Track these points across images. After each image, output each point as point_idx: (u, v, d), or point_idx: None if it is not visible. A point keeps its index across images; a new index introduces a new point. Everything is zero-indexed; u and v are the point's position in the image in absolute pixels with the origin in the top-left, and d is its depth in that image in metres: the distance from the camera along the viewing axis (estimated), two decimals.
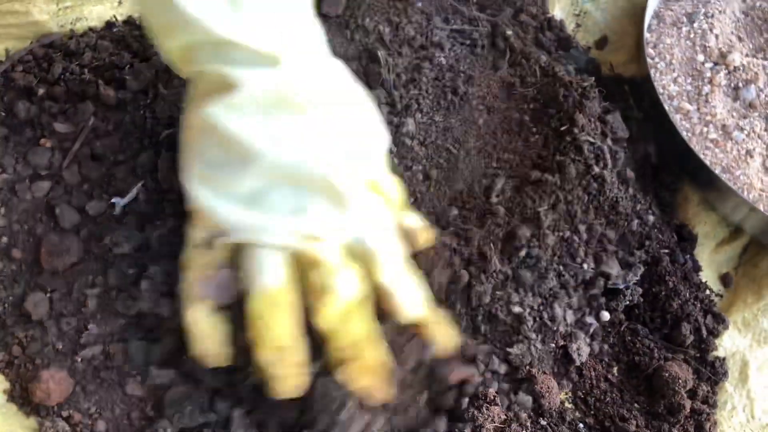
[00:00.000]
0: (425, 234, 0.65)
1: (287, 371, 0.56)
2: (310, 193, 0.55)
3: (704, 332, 0.74)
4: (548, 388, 0.69)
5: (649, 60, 0.86)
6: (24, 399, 0.66)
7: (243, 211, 0.54)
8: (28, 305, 0.68)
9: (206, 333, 0.58)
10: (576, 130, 0.77)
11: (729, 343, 0.76)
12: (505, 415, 0.67)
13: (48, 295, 0.68)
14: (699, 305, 0.76)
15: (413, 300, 0.60)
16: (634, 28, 0.94)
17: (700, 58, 0.88)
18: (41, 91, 0.75)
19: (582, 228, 0.75)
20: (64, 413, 0.65)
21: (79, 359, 0.67)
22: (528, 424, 0.68)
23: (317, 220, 0.55)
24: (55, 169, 0.73)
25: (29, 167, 0.73)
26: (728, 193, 0.79)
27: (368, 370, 0.58)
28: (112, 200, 0.71)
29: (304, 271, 0.55)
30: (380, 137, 0.61)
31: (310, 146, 0.54)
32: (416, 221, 0.65)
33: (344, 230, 0.56)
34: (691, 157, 0.80)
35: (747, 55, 0.87)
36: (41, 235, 0.70)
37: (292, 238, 0.54)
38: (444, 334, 0.63)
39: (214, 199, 0.55)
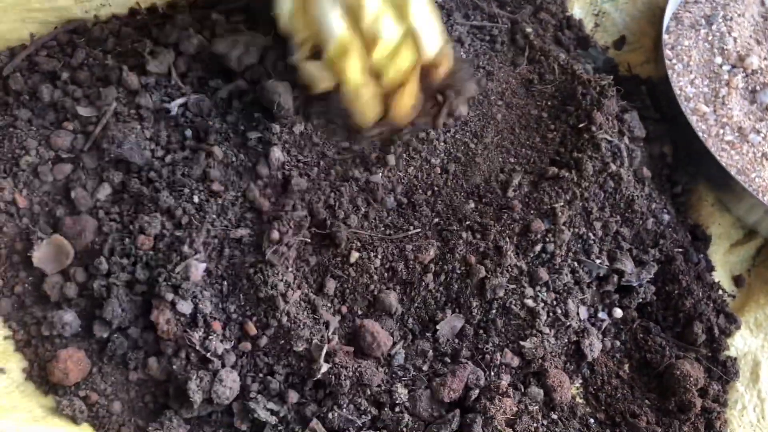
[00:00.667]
0: None
1: (365, 105, 0.71)
2: None
3: (716, 331, 0.74)
4: (560, 382, 0.69)
5: (667, 61, 0.86)
6: (42, 378, 0.67)
7: None
8: (46, 287, 0.69)
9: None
10: (594, 128, 0.77)
11: (741, 343, 0.76)
12: (517, 407, 0.67)
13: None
14: (711, 305, 0.76)
15: (434, 42, 0.70)
16: (653, 29, 0.94)
17: (718, 60, 0.88)
18: (65, 76, 0.76)
19: (597, 225, 0.76)
20: (81, 393, 0.66)
21: (96, 341, 0.68)
22: (539, 417, 0.68)
23: None
24: (76, 151, 0.73)
25: (51, 150, 0.73)
26: (743, 195, 0.79)
27: (408, 96, 0.71)
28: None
29: (357, 20, 0.66)
30: None
31: None
32: None
33: None
34: (706, 159, 0.80)
35: (765, 59, 0.87)
36: (61, 217, 0.71)
37: None
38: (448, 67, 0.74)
39: None
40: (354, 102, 0.71)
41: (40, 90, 0.74)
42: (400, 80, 0.70)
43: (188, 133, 0.75)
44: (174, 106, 0.75)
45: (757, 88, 0.86)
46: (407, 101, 0.72)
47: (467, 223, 0.74)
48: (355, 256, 0.71)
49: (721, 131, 0.84)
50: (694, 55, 0.88)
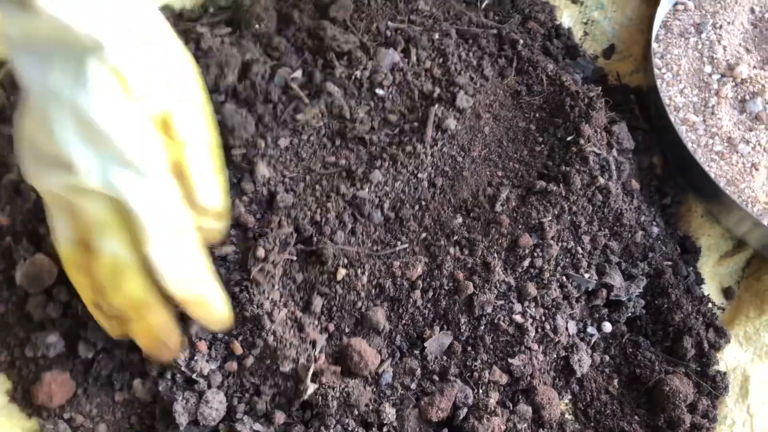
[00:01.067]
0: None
1: (108, 323, 0.61)
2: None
3: (706, 346, 0.74)
4: (549, 399, 0.69)
5: (656, 70, 0.86)
6: (26, 400, 0.66)
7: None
8: (29, 306, 0.68)
9: None
10: (582, 141, 0.77)
11: (730, 358, 0.76)
12: (505, 425, 0.67)
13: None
14: (701, 318, 0.76)
15: (177, 278, 0.57)
16: (642, 38, 0.94)
17: (708, 69, 0.87)
18: None
19: (586, 239, 0.75)
20: (66, 415, 0.66)
21: (80, 362, 0.67)
22: None
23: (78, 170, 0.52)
24: None
25: None
26: (732, 206, 0.79)
27: (148, 332, 0.60)
28: None
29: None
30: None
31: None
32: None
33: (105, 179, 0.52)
34: (695, 170, 0.80)
35: (755, 67, 0.87)
36: (43, 235, 0.70)
37: (57, 186, 0.53)
38: (205, 314, 0.62)
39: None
40: (97, 319, 0.61)
41: None
42: (131, 308, 0.58)
43: None
44: None
45: (747, 97, 0.86)
46: (146, 335, 0.60)
47: (455, 238, 0.73)
48: (342, 273, 0.70)
49: (711, 141, 0.83)
50: (683, 63, 0.88)
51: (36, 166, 0.54)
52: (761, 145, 0.83)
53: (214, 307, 0.61)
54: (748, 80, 0.86)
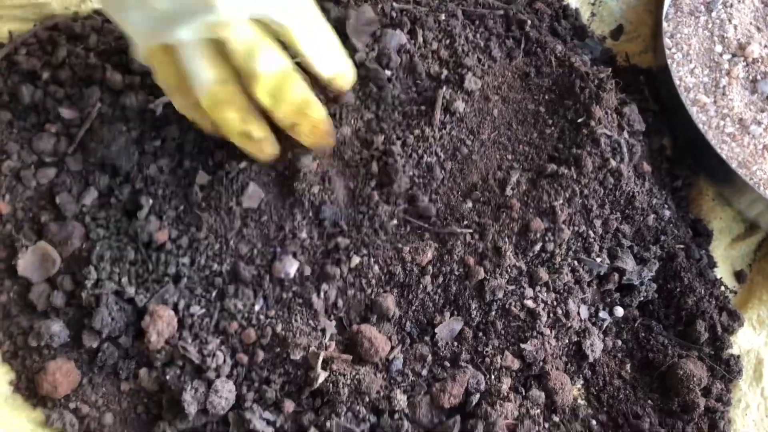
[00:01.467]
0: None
1: (257, 146, 0.65)
2: None
3: (719, 329, 0.73)
4: (561, 384, 0.68)
5: (666, 50, 0.84)
6: (30, 390, 0.65)
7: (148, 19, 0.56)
8: (32, 295, 0.67)
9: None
10: (593, 123, 0.75)
11: (744, 341, 0.75)
12: (518, 411, 0.66)
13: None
14: (714, 302, 0.75)
15: (330, 63, 0.64)
16: (650, 18, 0.92)
17: (718, 48, 0.86)
18: (46, 75, 0.73)
19: (597, 223, 0.74)
20: (71, 405, 0.65)
21: (85, 351, 0.66)
22: (541, 420, 0.67)
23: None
24: (60, 155, 0.71)
25: (34, 153, 0.71)
26: (744, 188, 0.77)
27: (314, 127, 0.64)
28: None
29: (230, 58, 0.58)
30: None
31: None
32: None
33: (249, 7, 0.56)
34: (707, 151, 0.79)
35: (765, 47, 0.86)
36: (45, 223, 0.69)
37: (199, 31, 0.55)
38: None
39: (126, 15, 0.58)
40: (244, 149, 0.66)
41: (20, 91, 0.72)
42: (295, 112, 0.62)
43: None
44: (159, 106, 0.72)
45: (758, 77, 0.84)
46: (312, 131, 0.65)
47: (465, 223, 0.72)
48: (355, 260, 0.69)
49: (722, 123, 0.82)
50: (693, 43, 0.86)
51: (156, 27, 0.56)
52: None
53: (349, 71, 0.68)
54: (760, 60, 0.84)
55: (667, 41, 0.86)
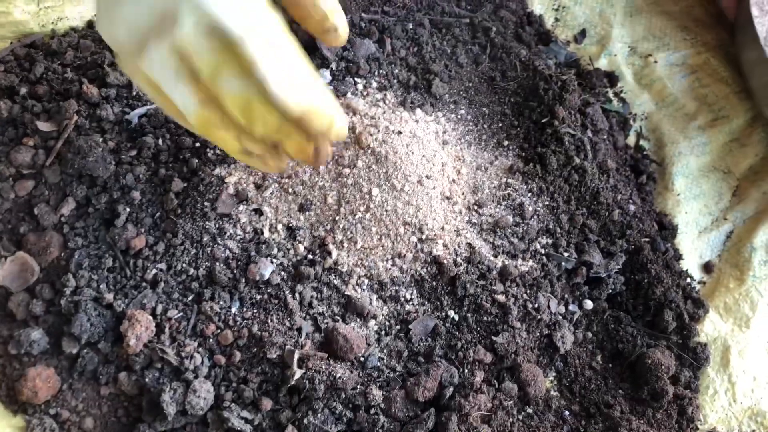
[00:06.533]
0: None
1: (260, 161, 0.61)
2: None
3: (686, 318, 0.75)
4: (534, 376, 0.70)
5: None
6: (10, 398, 0.66)
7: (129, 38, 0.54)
8: (12, 305, 0.68)
9: None
10: (557, 123, 0.78)
11: (711, 329, 0.77)
12: (492, 403, 0.68)
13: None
14: (681, 292, 0.77)
15: (290, 93, 0.54)
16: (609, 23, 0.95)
17: None
18: (23, 91, 0.75)
19: (564, 218, 0.76)
20: (52, 411, 0.65)
21: (65, 357, 0.67)
22: (514, 412, 0.68)
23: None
24: (38, 167, 0.73)
25: (12, 167, 0.72)
26: None
27: (300, 148, 0.60)
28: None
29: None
30: None
31: None
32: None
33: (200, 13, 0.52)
34: None
35: None
36: (24, 233, 0.70)
37: (167, 53, 0.53)
38: (324, 123, 0.58)
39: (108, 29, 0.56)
40: (249, 164, 0.63)
41: None
42: (275, 133, 0.57)
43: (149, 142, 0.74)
44: (134, 116, 0.74)
45: None
46: (299, 150, 0.60)
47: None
48: (334, 254, 0.71)
49: None
50: None
51: (137, 53, 0.53)
52: None
53: (330, 113, 0.58)
54: None
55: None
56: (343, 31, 0.65)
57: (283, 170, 0.64)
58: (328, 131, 0.58)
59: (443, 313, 0.71)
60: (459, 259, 0.72)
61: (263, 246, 0.71)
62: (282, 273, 0.71)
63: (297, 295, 0.70)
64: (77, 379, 0.67)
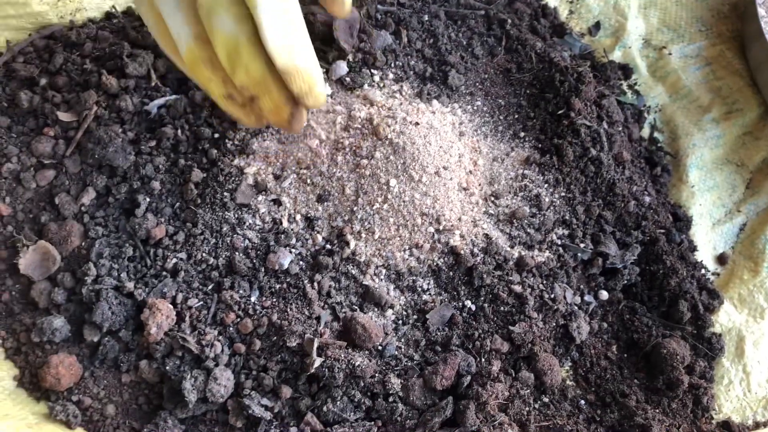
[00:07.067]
0: None
1: (241, 111, 0.60)
2: None
3: (701, 309, 0.75)
4: (550, 365, 0.70)
5: None
6: (33, 385, 0.67)
7: None
8: (34, 293, 0.69)
9: None
10: (572, 114, 0.78)
11: (725, 320, 0.77)
12: (508, 392, 0.68)
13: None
14: (695, 283, 0.77)
15: (283, 45, 0.55)
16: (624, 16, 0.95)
17: None
18: (43, 81, 0.76)
19: (580, 209, 0.77)
20: (74, 398, 0.66)
21: (86, 345, 0.68)
22: (530, 400, 0.69)
23: None
24: (59, 157, 0.73)
25: (33, 156, 0.73)
26: None
27: (276, 108, 0.59)
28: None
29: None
30: None
31: None
32: None
33: None
34: None
35: None
36: (45, 223, 0.71)
37: None
38: (305, 86, 0.59)
39: None
40: (230, 113, 0.61)
41: (19, 97, 0.74)
42: (255, 85, 0.57)
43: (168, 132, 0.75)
44: (153, 107, 0.75)
45: None
46: (274, 111, 0.59)
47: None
48: (352, 244, 0.71)
49: None
50: None
51: None
52: None
53: (313, 78, 0.58)
54: None
55: None
56: (308, 92, 0.59)
57: (261, 126, 0.63)
58: (309, 93, 0.58)
59: (460, 303, 0.72)
60: (476, 250, 0.73)
61: (282, 236, 0.71)
62: (301, 263, 0.71)
63: (315, 284, 0.71)
64: (99, 366, 0.68)
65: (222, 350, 0.67)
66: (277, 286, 0.70)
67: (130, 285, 0.68)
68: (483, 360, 0.69)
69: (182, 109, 0.75)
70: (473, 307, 0.72)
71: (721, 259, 0.83)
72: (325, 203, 0.73)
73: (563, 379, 0.72)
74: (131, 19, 0.84)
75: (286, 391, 0.66)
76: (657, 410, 0.70)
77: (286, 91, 0.58)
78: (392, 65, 0.81)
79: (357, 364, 0.66)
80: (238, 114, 0.61)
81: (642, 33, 0.95)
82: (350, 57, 0.80)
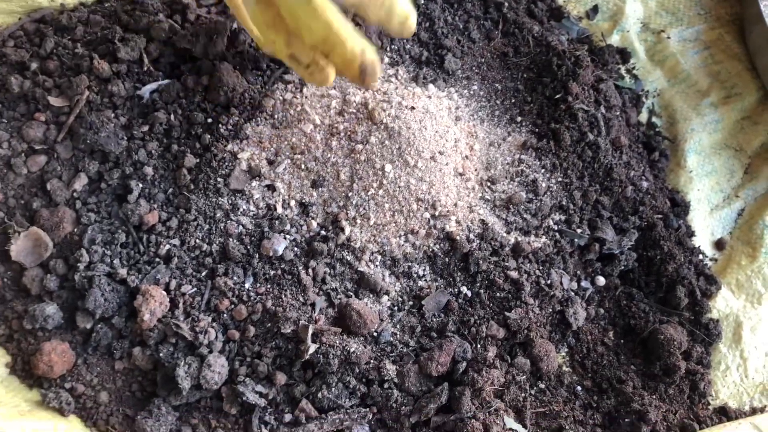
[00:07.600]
0: None
1: (307, 72, 0.63)
2: None
3: (698, 295, 0.75)
4: (546, 351, 0.70)
5: None
6: (26, 372, 0.66)
7: None
8: (26, 280, 0.68)
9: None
10: (570, 99, 0.77)
11: (723, 305, 0.77)
12: (504, 378, 0.68)
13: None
14: (693, 269, 0.77)
15: None
16: None
17: None
18: (34, 66, 0.75)
19: (577, 194, 0.76)
20: (67, 385, 0.66)
21: (79, 332, 0.67)
22: (527, 386, 0.69)
23: None
24: (50, 143, 0.72)
25: (24, 142, 0.72)
26: None
27: (347, 62, 0.59)
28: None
29: None
30: None
31: None
32: None
33: None
34: None
35: None
36: (37, 209, 0.70)
37: None
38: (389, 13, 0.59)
39: None
40: (297, 73, 0.64)
41: (9, 81, 0.73)
42: (321, 43, 0.58)
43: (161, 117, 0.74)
44: (146, 92, 0.74)
45: None
46: (345, 65, 0.59)
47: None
48: (347, 230, 0.71)
49: None
50: None
51: None
52: None
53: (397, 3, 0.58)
54: None
55: None
56: (413, 19, 0.60)
57: (328, 84, 0.64)
58: (389, 16, 0.58)
59: (456, 289, 0.71)
60: (472, 236, 0.72)
61: (276, 222, 0.71)
62: (295, 249, 0.71)
63: (310, 270, 0.70)
64: (92, 353, 0.67)
65: (216, 337, 0.67)
66: (272, 273, 0.70)
67: (123, 271, 0.68)
68: (479, 346, 0.69)
69: (175, 94, 0.75)
70: (469, 293, 0.71)
71: (719, 245, 0.83)
72: (320, 189, 0.72)
73: (559, 365, 0.72)
74: (123, 2, 0.82)
75: (281, 378, 0.66)
76: (654, 396, 0.70)
77: (353, 43, 0.58)
78: (387, 49, 0.80)
79: (352, 350, 0.66)
80: (303, 74, 0.63)
81: (640, 16, 0.94)
82: None
